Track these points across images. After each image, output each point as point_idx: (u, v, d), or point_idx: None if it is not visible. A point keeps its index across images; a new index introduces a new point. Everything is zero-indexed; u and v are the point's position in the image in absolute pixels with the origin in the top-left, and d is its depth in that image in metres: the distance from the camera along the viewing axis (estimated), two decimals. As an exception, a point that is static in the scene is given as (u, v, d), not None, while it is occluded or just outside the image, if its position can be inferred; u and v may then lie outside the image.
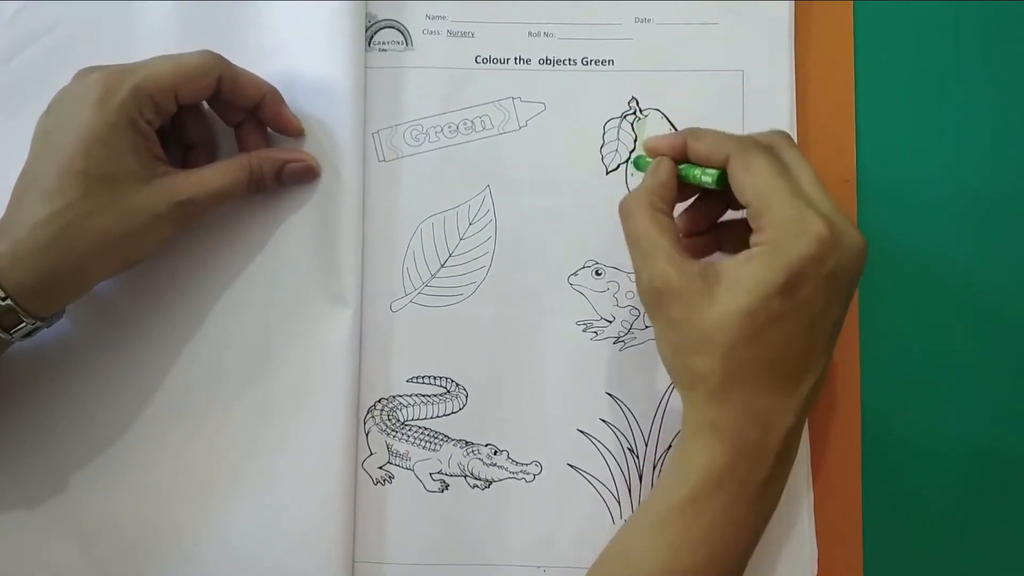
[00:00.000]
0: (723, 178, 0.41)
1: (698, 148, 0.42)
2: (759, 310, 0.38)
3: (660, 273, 0.40)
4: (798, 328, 0.39)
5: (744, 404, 0.39)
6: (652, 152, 0.44)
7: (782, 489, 0.41)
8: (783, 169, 0.40)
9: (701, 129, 0.43)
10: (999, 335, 0.49)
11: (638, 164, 0.46)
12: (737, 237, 0.44)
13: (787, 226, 0.38)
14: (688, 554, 0.39)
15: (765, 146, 0.41)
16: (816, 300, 0.38)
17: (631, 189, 0.49)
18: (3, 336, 0.42)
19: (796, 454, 0.41)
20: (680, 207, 0.46)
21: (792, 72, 0.50)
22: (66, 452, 0.48)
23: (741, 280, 0.38)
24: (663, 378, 0.48)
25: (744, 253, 0.39)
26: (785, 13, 0.51)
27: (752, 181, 0.40)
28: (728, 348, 0.38)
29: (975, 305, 0.49)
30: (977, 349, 0.49)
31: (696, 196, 0.46)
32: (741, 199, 0.40)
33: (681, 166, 0.43)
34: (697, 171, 0.42)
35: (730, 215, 0.46)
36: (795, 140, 0.48)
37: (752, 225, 0.40)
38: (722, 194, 0.42)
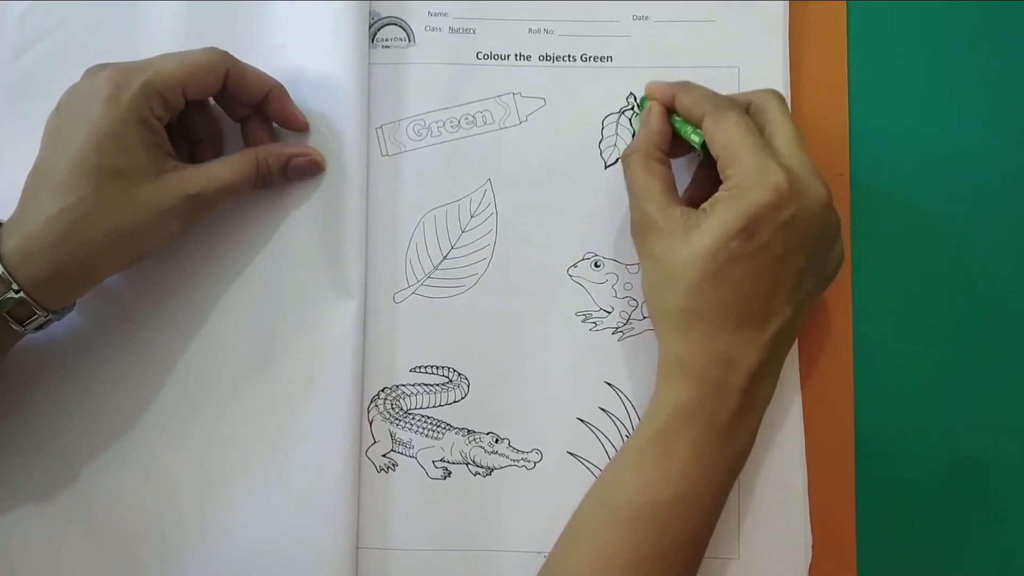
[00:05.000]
0: None
1: (683, 102, 0.46)
2: (719, 250, 0.41)
3: (648, 215, 0.44)
4: (759, 271, 0.41)
5: (706, 341, 0.42)
6: (649, 94, 0.48)
7: (755, 428, 0.43)
8: (753, 126, 0.43)
9: (692, 84, 0.47)
10: (993, 324, 0.50)
11: (642, 104, 0.48)
12: None
13: (749, 175, 0.42)
14: (659, 487, 0.41)
15: (742, 104, 0.45)
16: (775, 245, 0.41)
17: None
18: (16, 328, 0.43)
19: (769, 396, 0.43)
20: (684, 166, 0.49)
21: (787, 68, 0.51)
22: (75, 443, 0.48)
23: (707, 223, 0.42)
24: (661, 367, 0.49)
25: (711, 199, 0.43)
26: (780, 10, 0.51)
27: (721, 136, 0.43)
28: (691, 284, 0.42)
29: (969, 295, 0.50)
30: (972, 337, 0.50)
31: (697, 165, 0.49)
32: (713, 152, 0.44)
33: (676, 119, 0.47)
34: (689, 129, 0.46)
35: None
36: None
37: (721, 176, 0.43)
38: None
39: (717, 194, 0.42)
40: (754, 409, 0.43)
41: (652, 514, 0.41)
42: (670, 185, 0.45)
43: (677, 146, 0.47)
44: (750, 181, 0.41)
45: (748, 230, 0.41)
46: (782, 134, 0.44)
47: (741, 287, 0.41)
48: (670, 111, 0.47)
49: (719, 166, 0.43)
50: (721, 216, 0.41)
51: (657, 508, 0.41)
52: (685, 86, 0.47)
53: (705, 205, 0.43)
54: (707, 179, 0.48)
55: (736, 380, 0.42)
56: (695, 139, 0.45)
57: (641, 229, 0.44)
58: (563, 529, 0.44)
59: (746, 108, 0.45)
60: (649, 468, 0.42)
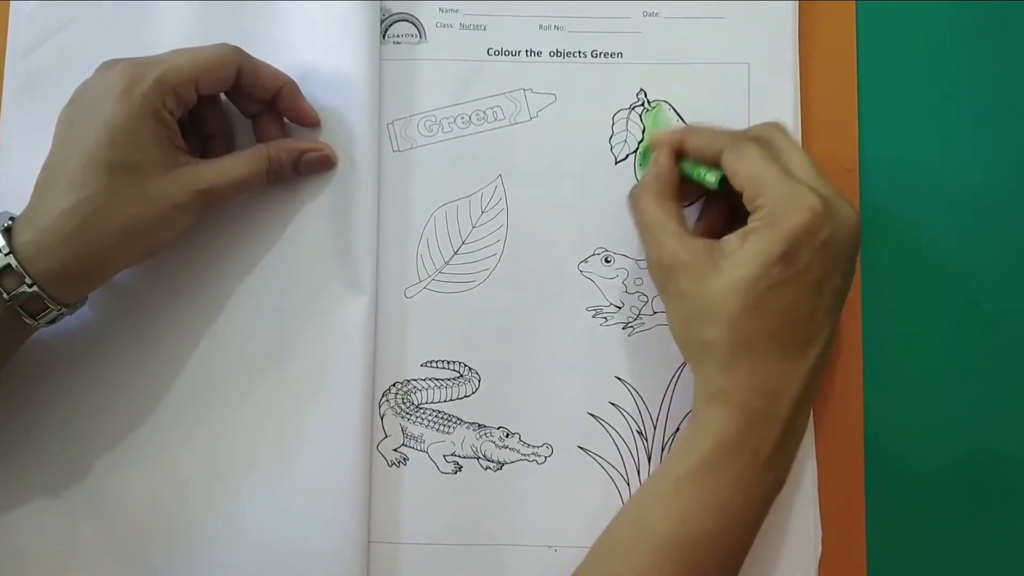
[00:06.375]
0: (725, 180, 0.44)
1: (694, 144, 0.45)
2: (760, 278, 0.40)
3: (668, 250, 0.43)
4: (799, 296, 0.41)
5: (752, 372, 0.41)
6: (654, 145, 0.47)
7: (792, 458, 0.43)
8: (774, 155, 0.43)
9: (697, 126, 0.46)
10: (1001, 322, 0.50)
11: (645, 156, 0.48)
12: None
13: (782, 201, 0.41)
14: (699, 520, 0.41)
15: (755, 137, 0.44)
16: (814, 268, 0.41)
17: (639, 179, 0.50)
18: (29, 322, 0.43)
19: (806, 423, 0.43)
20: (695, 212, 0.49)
21: (796, 64, 0.51)
22: (86, 436, 0.48)
23: (742, 252, 0.41)
24: (671, 362, 0.49)
25: (742, 229, 0.42)
26: (789, 7, 0.52)
27: (744, 168, 0.42)
28: (733, 316, 0.41)
29: (977, 293, 0.50)
30: (980, 332, 0.50)
31: (705, 201, 0.49)
32: (736, 186, 0.43)
33: (685, 164, 0.46)
34: (701, 170, 0.45)
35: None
36: (797, 128, 0.50)
37: (749, 208, 0.42)
38: (727, 198, 0.44)
39: (749, 225, 0.42)
40: (794, 439, 0.42)
41: (692, 546, 0.41)
42: (683, 220, 0.44)
43: (683, 193, 0.47)
44: (784, 206, 0.41)
45: (788, 255, 0.40)
46: (798, 162, 0.43)
47: (784, 313, 0.41)
48: (678, 156, 0.46)
49: (746, 198, 0.42)
50: (758, 244, 0.41)
51: (697, 540, 0.41)
52: (691, 129, 0.46)
53: (731, 237, 0.42)
54: (717, 216, 0.48)
55: (781, 410, 0.41)
56: (711, 179, 0.45)
57: (662, 266, 0.43)
58: (593, 548, 0.44)
59: None
60: (690, 499, 0.41)
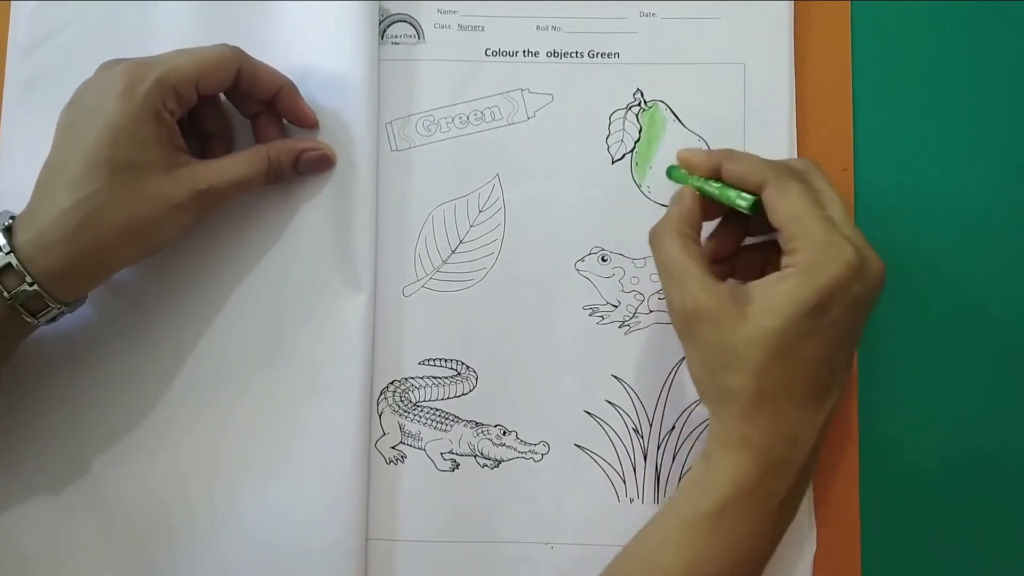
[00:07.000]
0: (757, 204, 0.42)
1: (734, 170, 0.43)
2: (790, 328, 0.39)
3: (692, 296, 0.41)
4: (825, 348, 0.40)
5: (774, 420, 0.40)
6: (686, 165, 0.46)
7: (803, 496, 0.42)
8: (816, 196, 0.42)
9: (738, 152, 0.44)
10: (995, 321, 0.51)
11: (670, 174, 0.47)
12: (750, 264, 0.46)
13: (820, 250, 0.40)
14: (712, 562, 0.40)
15: (796, 173, 0.43)
16: (843, 321, 0.40)
17: (636, 179, 0.51)
18: (29, 320, 0.43)
19: (816, 467, 0.42)
20: (707, 228, 0.47)
21: (792, 65, 0.51)
22: (86, 434, 0.49)
23: (774, 300, 0.40)
24: (667, 360, 0.50)
25: (776, 274, 0.41)
26: (785, 8, 0.52)
27: (787, 206, 0.41)
28: (760, 365, 0.40)
29: (972, 292, 0.51)
30: (972, 333, 0.50)
31: (719, 223, 0.47)
32: (775, 222, 0.42)
33: (716, 186, 0.44)
34: (732, 193, 0.43)
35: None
36: (792, 128, 0.51)
37: (784, 248, 0.41)
38: (744, 221, 0.44)
39: (785, 270, 0.40)
40: (806, 480, 0.42)
41: None
42: (706, 263, 0.42)
43: (707, 210, 0.45)
44: (822, 256, 0.40)
45: (820, 307, 0.39)
46: (834, 207, 0.42)
47: (808, 364, 0.40)
48: (709, 177, 0.45)
49: (783, 237, 0.41)
50: (793, 293, 0.40)
51: None
52: (731, 154, 0.44)
53: (759, 283, 0.41)
54: (728, 240, 0.47)
55: (798, 457, 0.40)
56: (742, 204, 0.43)
57: (685, 313, 0.42)
58: None
59: None
60: (704, 542, 0.41)
